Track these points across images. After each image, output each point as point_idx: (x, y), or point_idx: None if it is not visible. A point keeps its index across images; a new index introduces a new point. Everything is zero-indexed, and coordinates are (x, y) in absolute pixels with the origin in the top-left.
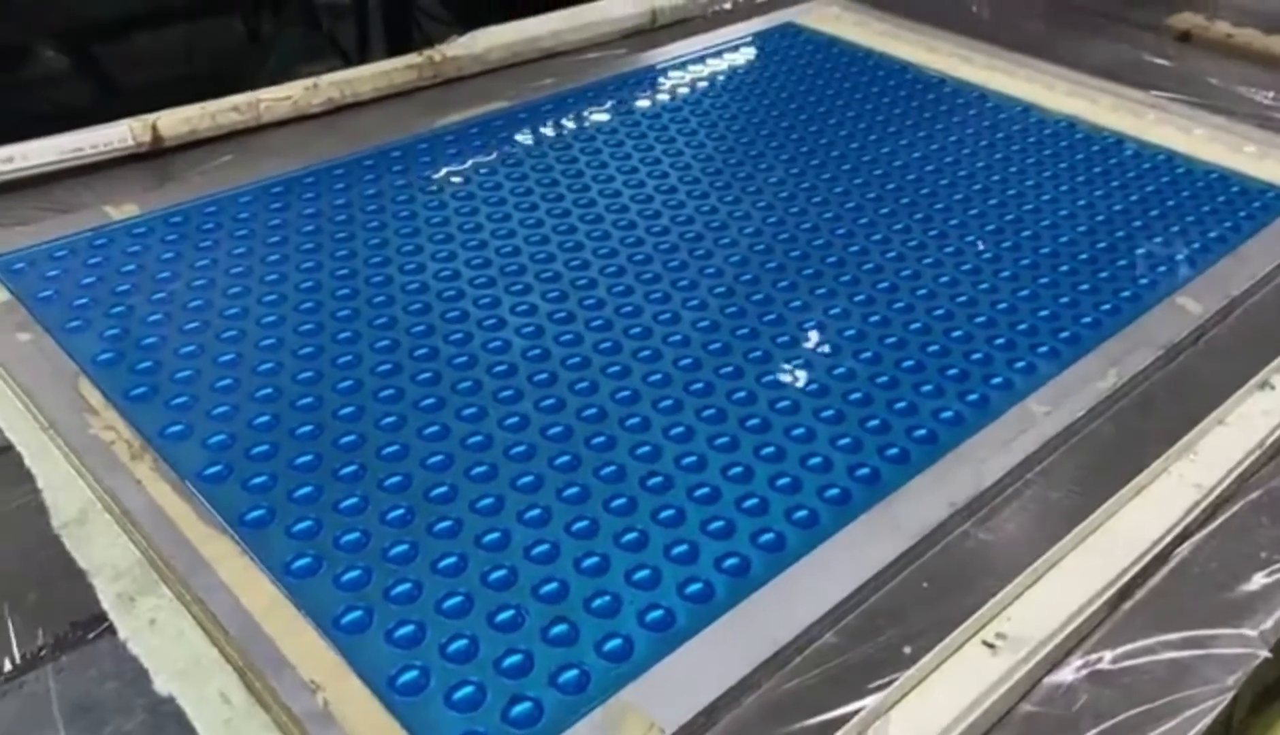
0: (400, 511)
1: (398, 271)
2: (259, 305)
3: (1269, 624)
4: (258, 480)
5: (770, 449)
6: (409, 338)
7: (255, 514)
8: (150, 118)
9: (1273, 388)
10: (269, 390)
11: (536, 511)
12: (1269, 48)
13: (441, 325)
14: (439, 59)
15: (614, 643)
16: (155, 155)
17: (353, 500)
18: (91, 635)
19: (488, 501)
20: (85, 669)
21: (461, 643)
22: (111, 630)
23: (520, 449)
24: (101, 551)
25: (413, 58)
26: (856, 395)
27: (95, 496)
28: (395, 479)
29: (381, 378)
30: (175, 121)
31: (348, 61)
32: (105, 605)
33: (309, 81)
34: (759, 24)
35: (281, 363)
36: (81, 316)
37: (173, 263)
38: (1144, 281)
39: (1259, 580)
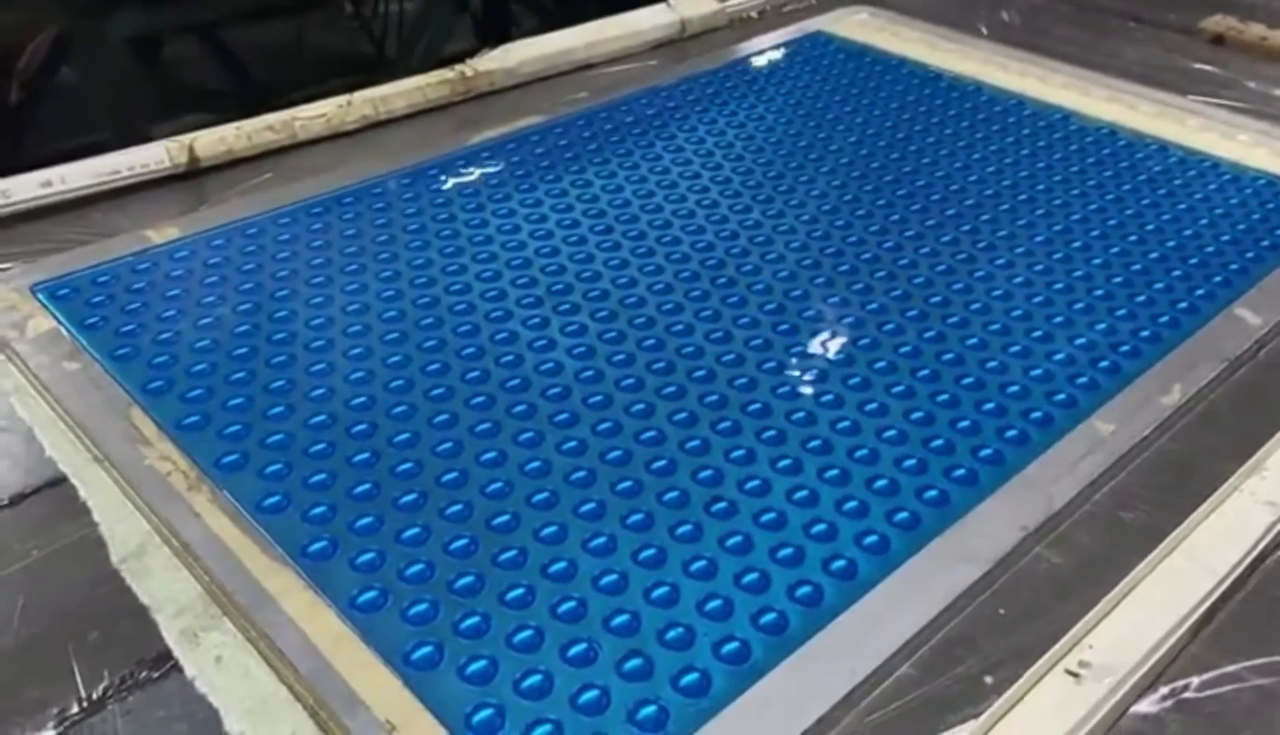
0: (464, 541)
1: (444, 292)
2: (306, 329)
3: None
4: (317, 510)
5: (834, 471)
6: (459, 361)
7: (317, 546)
8: (186, 139)
9: None
10: (323, 417)
11: (602, 540)
12: None
13: (491, 347)
14: (471, 73)
15: (690, 677)
16: (191, 176)
17: (414, 530)
18: (157, 674)
19: (551, 530)
20: (154, 710)
21: (535, 679)
22: (177, 668)
23: (580, 474)
24: (162, 586)
25: (445, 72)
26: (918, 414)
27: (153, 529)
28: (456, 507)
29: (435, 402)
30: (211, 141)
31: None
32: (169, 642)
33: (343, 99)
34: (789, 33)
35: (333, 388)
36: (129, 344)
37: (217, 286)
38: (1200, 293)
39: None
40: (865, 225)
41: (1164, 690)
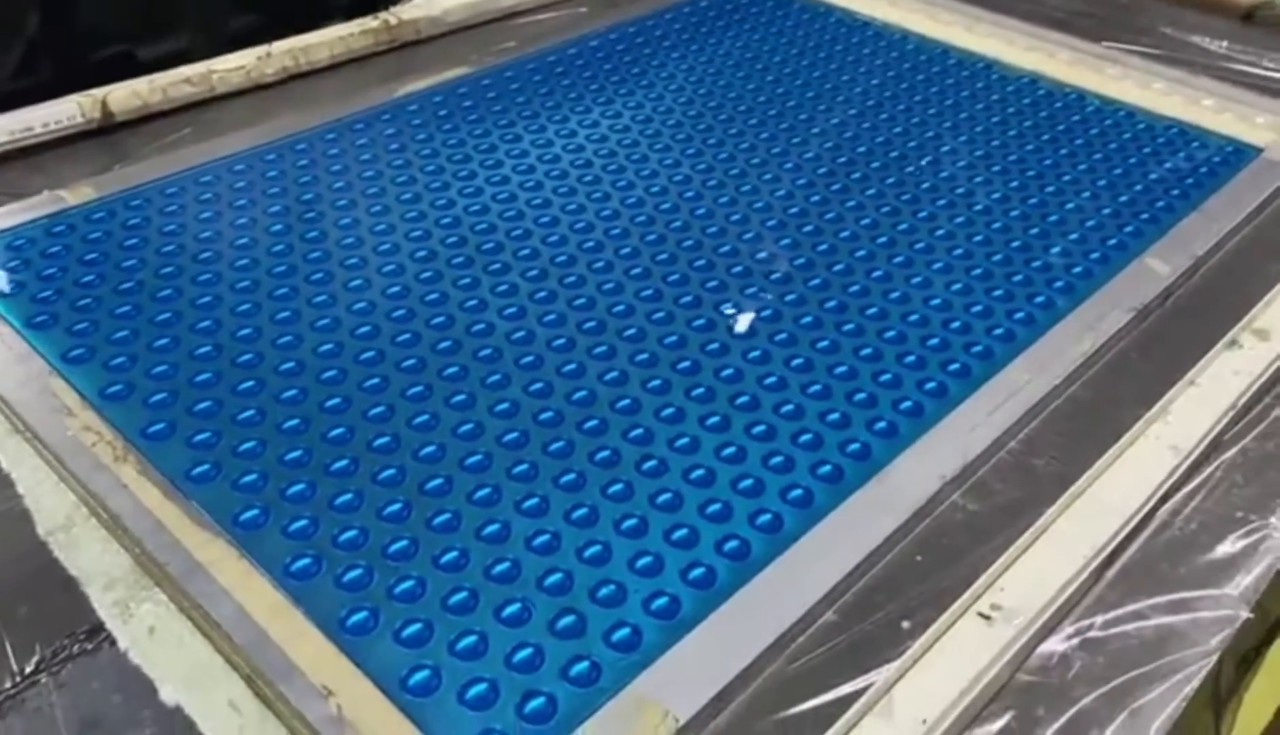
0: (397, 506)
1: (371, 253)
2: (231, 292)
3: (1249, 582)
4: (248, 479)
5: (761, 427)
6: (390, 323)
7: (249, 514)
8: (99, 93)
9: (1241, 346)
10: (250, 383)
11: (534, 501)
12: None
13: (422, 308)
14: (395, 22)
15: (622, 632)
16: (106, 132)
17: (347, 496)
18: (90, 646)
19: (485, 492)
20: (88, 682)
21: (470, 639)
22: (110, 640)
23: (513, 436)
24: (92, 558)
25: (368, 21)
26: (841, 369)
27: (80, 501)
28: (389, 472)
29: (365, 366)
30: (125, 96)
31: None
32: (101, 614)
33: (262, 50)
34: None
35: (261, 353)
36: (47, 311)
37: (138, 249)
38: (1111, 243)
39: (1237, 540)
40: (792, 179)
41: (1069, 629)
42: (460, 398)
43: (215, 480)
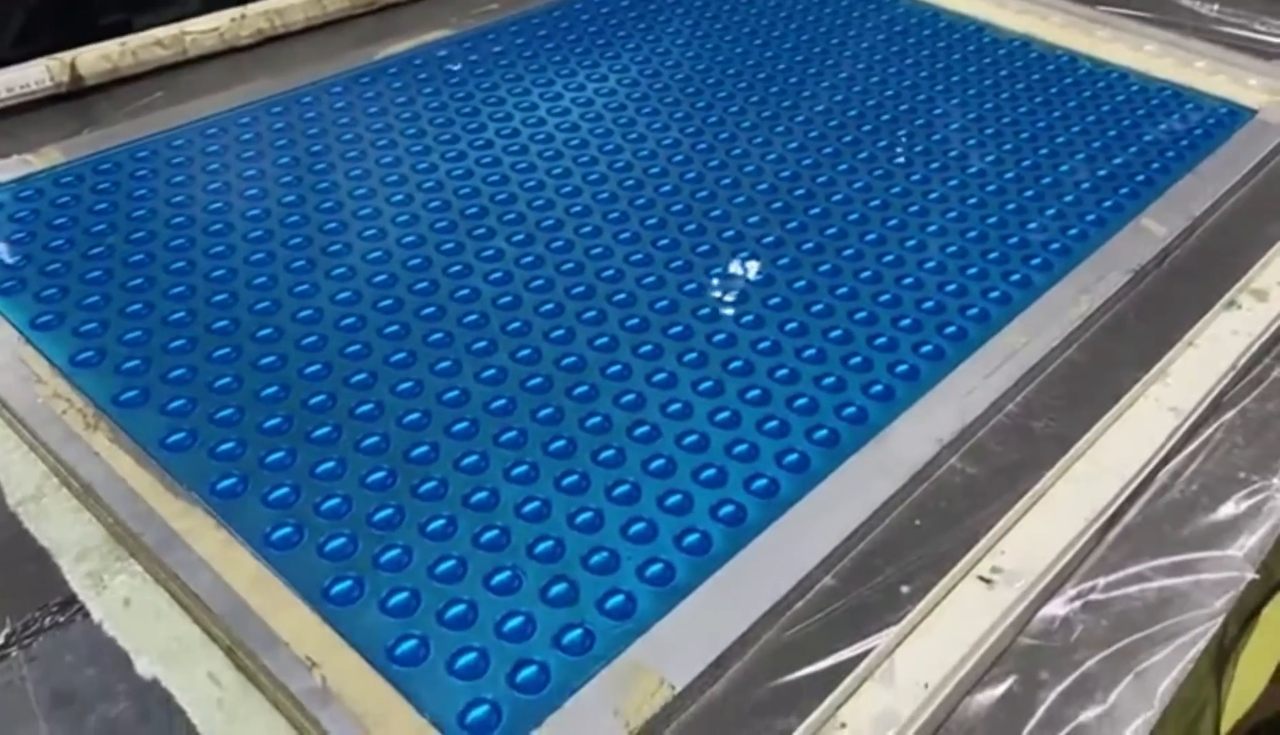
0: (381, 474)
1: (352, 217)
2: (205, 257)
3: (1252, 543)
4: (225, 447)
5: (755, 392)
6: (371, 289)
7: (227, 483)
8: (68, 56)
9: (1239, 306)
10: (227, 350)
11: (523, 468)
12: None
13: (405, 274)
14: None
15: (616, 600)
16: (75, 96)
17: (329, 464)
18: (63, 619)
19: (472, 459)
20: (60, 655)
21: (459, 608)
22: (84, 612)
23: (500, 403)
24: (64, 529)
25: None
26: (836, 333)
27: (50, 470)
28: (372, 439)
29: (346, 333)
30: (95, 59)
31: None
32: (74, 586)
33: (235, 12)
34: None
35: (237, 319)
36: (15, 277)
37: (108, 214)
38: (1107, 204)
39: (1240, 501)
40: (784, 143)
41: (1071, 592)
42: (445, 364)
43: (191, 448)
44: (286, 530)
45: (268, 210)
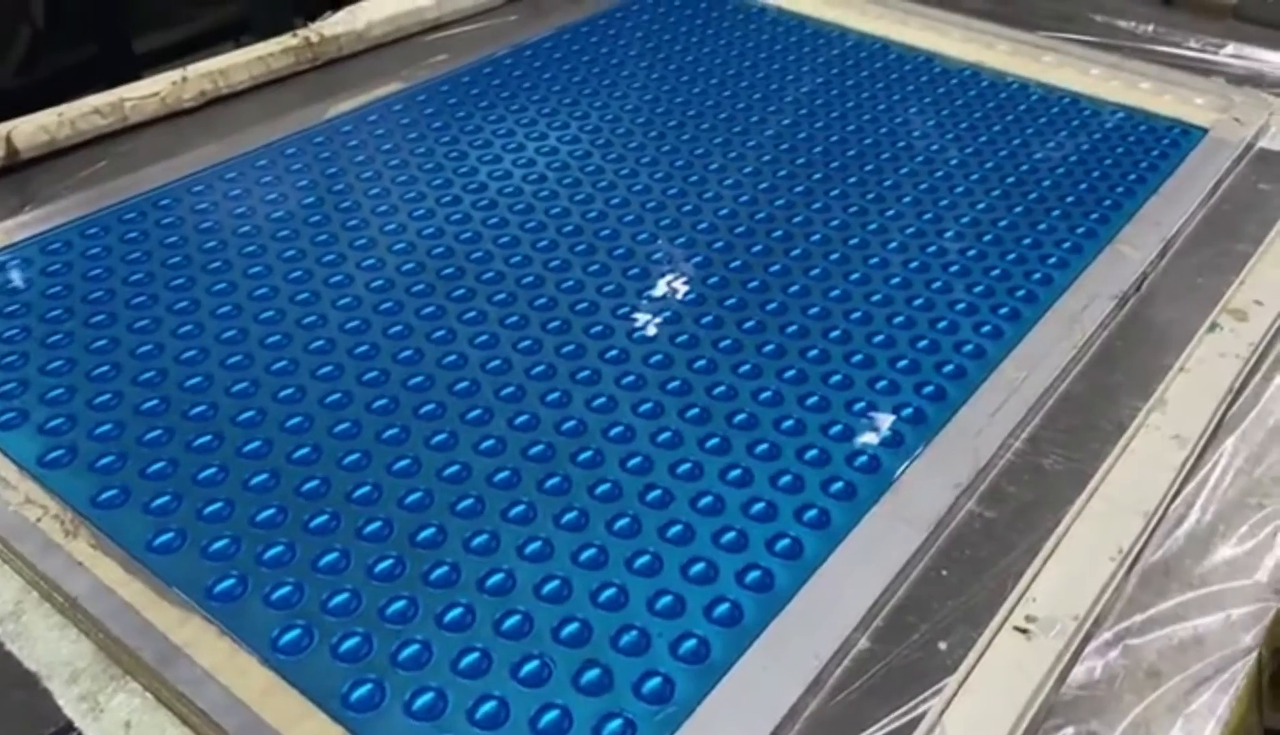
0: (389, 562)
1: (323, 285)
2: (173, 338)
3: (1273, 566)
4: (218, 545)
5: (764, 446)
6: (353, 361)
7: (224, 585)
8: (2, 130)
9: (1221, 328)
10: (208, 437)
11: (537, 544)
12: None
13: (386, 343)
14: (317, 39)
15: (652, 683)
16: (13, 170)
17: (332, 556)
18: None
19: (482, 539)
20: None
21: (489, 706)
22: None
23: (504, 475)
24: (50, 648)
25: (288, 40)
26: (836, 378)
27: (29, 584)
28: (374, 525)
29: (331, 410)
30: (31, 131)
31: None
32: (69, 712)
33: (176, 75)
34: None
35: (215, 403)
36: None
37: (62, 297)
38: (1081, 231)
39: (1255, 526)
40: (754, 184)
41: (1108, 636)
42: (441, 437)
43: (181, 549)
44: (295, 632)
45: (233, 283)
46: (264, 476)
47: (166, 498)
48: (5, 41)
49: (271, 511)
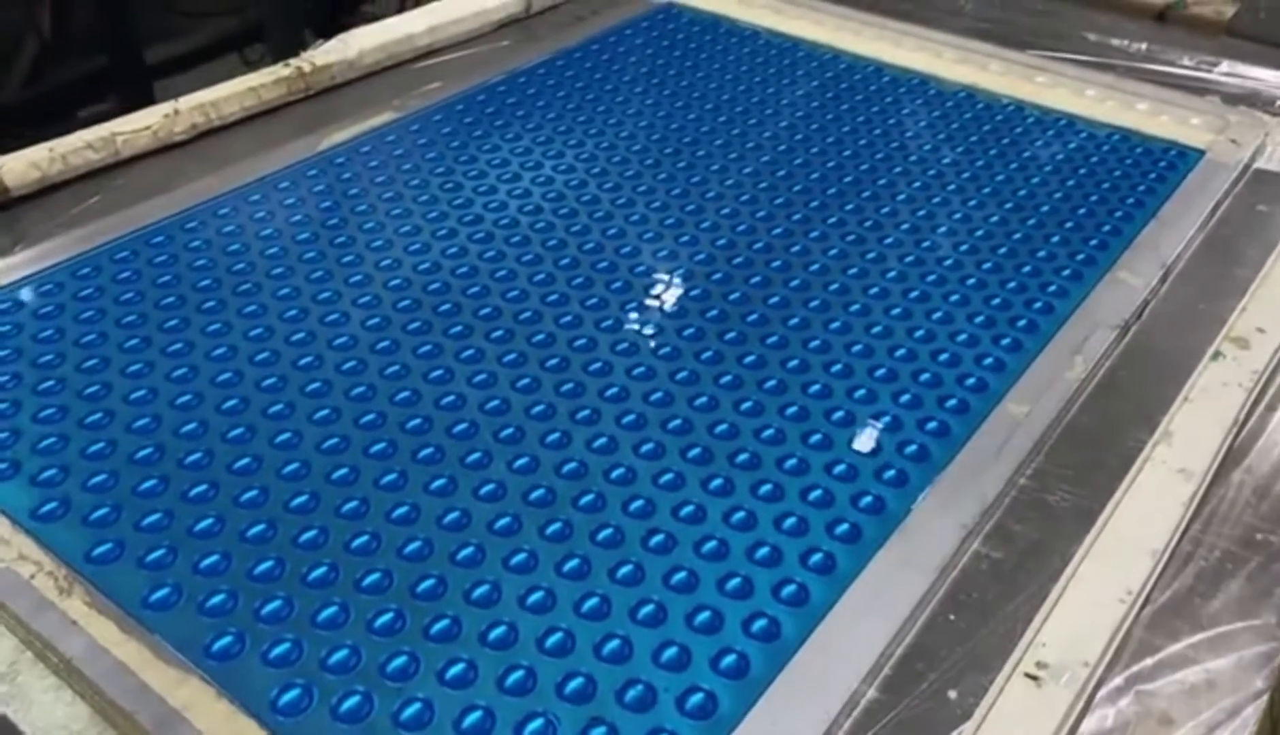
0: (388, 616)
1: (319, 324)
2: (167, 382)
3: None
4: (215, 600)
5: (768, 487)
6: (349, 403)
7: (222, 643)
8: None
9: (1224, 356)
10: (204, 486)
11: (539, 595)
12: None
13: (383, 383)
14: (309, 69)
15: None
16: (3, 208)
17: (331, 610)
18: None
19: (483, 590)
20: None
21: None
22: None
23: (505, 521)
24: (46, 712)
25: (279, 70)
26: (838, 415)
27: (23, 644)
28: (374, 576)
29: (329, 456)
30: (21, 168)
31: None
32: None
33: (168, 107)
34: (639, 6)
35: (211, 450)
36: None
37: (54, 342)
38: (1081, 258)
39: (1263, 563)
40: (751, 212)
41: (1119, 681)
42: (441, 482)
43: (178, 606)
44: (294, 693)
45: (228, 324)
46: (261, 526)
47: (162, 551)
48: (12, 53)
49: (269, 564)
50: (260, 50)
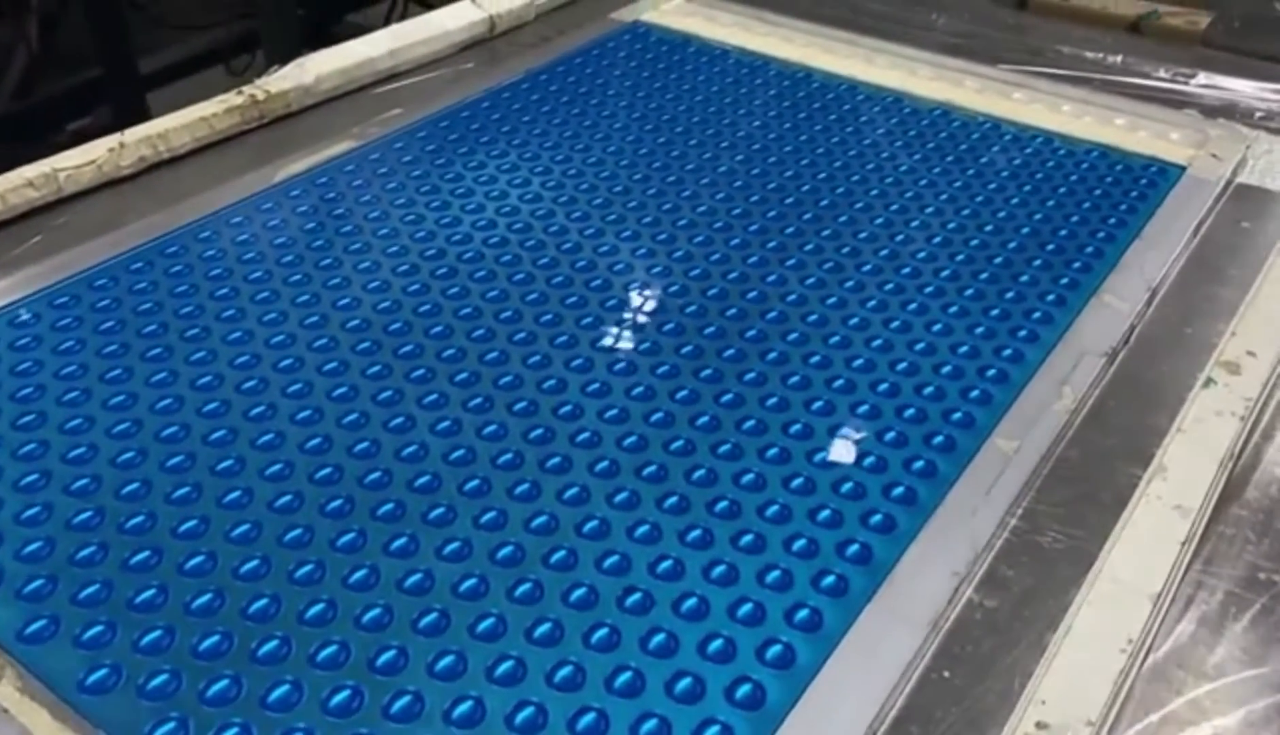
0: (344, 694)
1: (272, 370)
2: (108, 438)
3: None
4: (158, 681)
5: (749, 537)
6: (304, 456)
7: (164, 729)
8: None
9: (1215, 382)
10: (146, 553)
11: (509, 664)
12: (1104, 8)
13: (340, 434)
14: (263, 97)
15: None
16: None
17: (284, 689)
18: None
19: (447, 660)
20: None
21: None
22: None
23: (470, 583)
24: None
25: (232, 98)
26: (820, 456)
27: None
28: (330, 649)
29: (281, 515)
30: None
31: None
32: None
33: (113, 140)
34: (606, 26)
35: (153, 513)
36: None
37: None
38: (1064, 282)
39: (1267, 605)
40: (725, 240)
41: None
42: (401, 541)
43: (117, 688)
44: None
45: (174, 372)
46: (208, 597)
47: (100, 627)
48: (1, 66)
49: (216, 639)
50: (247, 60)
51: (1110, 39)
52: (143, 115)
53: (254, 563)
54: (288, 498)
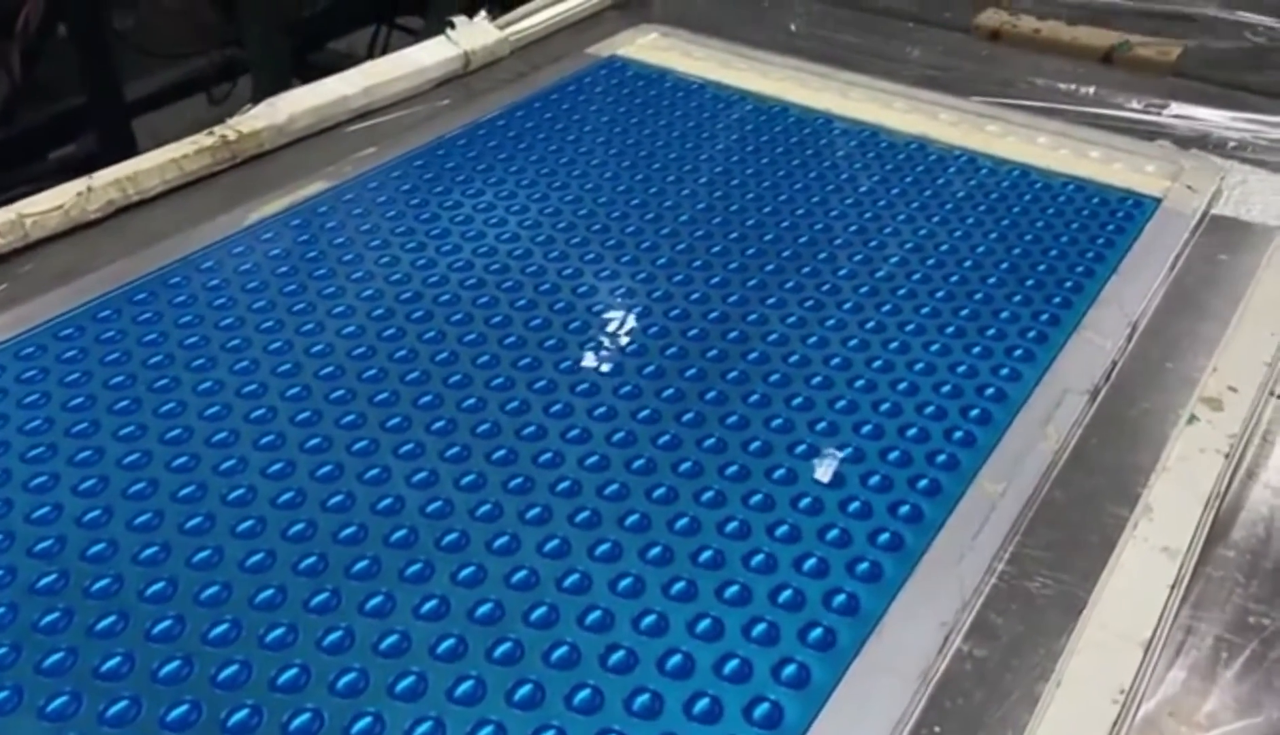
0: None
1: (242, 421)
2: (73, 496)
3: None
4: None
5: (734, 588)
6: (276, 511)
7: None
8: None
9: (1198, 419)
10: (112, 617)
11: (489, 729)
12: (1076, 39)
13: (313, 486)
14: (234, 137)
15: None
16: None
17: None
18: None
19: (425, 727)
20: None
21: None
22: None
23: (449, 644)
24: None
25: (203, 139)
26: (805, 501)
27: None
28: (303, 718)
29: (252, 575)
30: None
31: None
32: None
33: (81, 184)
34: (582, 61)
35: (120, 575)
36: None
37: None
38: (1045, 318)
39: (1258, 650)
40: (705, 279)
41: None
42: (377, 600)
43: None
44: None
45: (143, 426)
46: (176, 664)
47: (64, 698)
48: None
49: (184, 709)
50: (228, 88)
51: (1083, 70)
52: (128, 142)
53: (224, 627)
54: (259, 556)
